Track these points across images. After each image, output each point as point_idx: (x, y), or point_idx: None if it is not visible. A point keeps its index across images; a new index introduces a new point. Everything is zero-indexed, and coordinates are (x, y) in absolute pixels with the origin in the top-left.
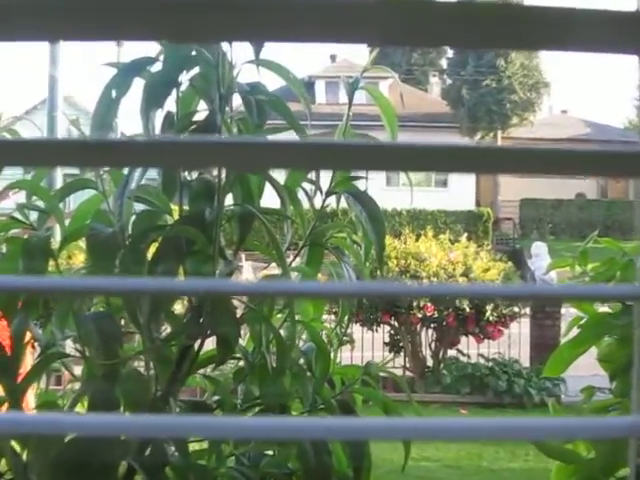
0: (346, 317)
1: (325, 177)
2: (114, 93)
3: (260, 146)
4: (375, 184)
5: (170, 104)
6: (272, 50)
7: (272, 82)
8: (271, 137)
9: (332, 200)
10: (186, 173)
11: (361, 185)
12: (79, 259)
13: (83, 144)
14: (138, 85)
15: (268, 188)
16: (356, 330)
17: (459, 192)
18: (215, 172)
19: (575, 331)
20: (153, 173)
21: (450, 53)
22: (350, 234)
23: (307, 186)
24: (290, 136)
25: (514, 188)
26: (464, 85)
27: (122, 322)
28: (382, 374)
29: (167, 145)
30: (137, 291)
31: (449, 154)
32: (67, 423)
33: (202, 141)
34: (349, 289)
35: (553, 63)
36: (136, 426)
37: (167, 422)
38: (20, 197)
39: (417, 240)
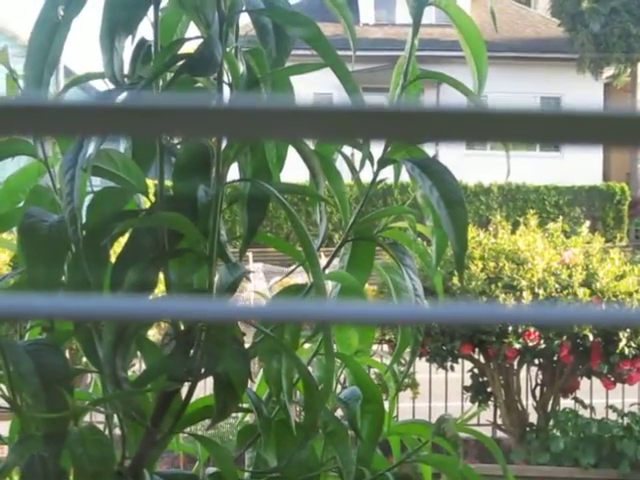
0: (407, 349)
1: None
2: (60, 11)
3: (284, 113)
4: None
5: (145, 29)
6: None
7: None
8: (295, 78)
9: (387, 172)
10: None
11: (430, 149)
12: (3, 260)
13: (5, 108)
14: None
15: (291, 155)
16: (422, 368)
17: (578, 158)
18: None
19: None
20: None
21: None
22: (414, 223)
23: (350, 152)
24: (325, 75)
25: None
26: None
27: (69, 354)
28: (462, 435)
29: (138, 111)
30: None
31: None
32: None
33: (193, 106)
34: (410, 313)
35: None
36: None
37: None
38: None
39: (514, 232)
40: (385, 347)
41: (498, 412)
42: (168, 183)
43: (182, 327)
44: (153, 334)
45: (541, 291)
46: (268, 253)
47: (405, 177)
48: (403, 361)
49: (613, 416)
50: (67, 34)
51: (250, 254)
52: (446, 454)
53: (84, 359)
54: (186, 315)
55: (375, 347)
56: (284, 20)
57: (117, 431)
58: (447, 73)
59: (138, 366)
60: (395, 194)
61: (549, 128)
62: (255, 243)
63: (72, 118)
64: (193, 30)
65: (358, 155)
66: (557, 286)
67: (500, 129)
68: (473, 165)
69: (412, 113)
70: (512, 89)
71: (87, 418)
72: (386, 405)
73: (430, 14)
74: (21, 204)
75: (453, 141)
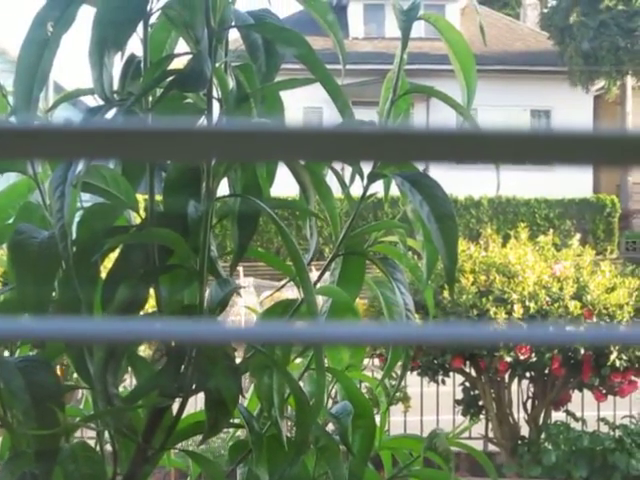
0: (399, 363)
1: None
2: (50, 27)
3: (274, 136)
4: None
5: (135, 44)
6: None
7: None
8: (285, 93)
9: (378, 187)
10: None
11: (420, 164)
12: None
13: None
14: (86, 16)
15: (282, 170)
16: (413, 382)
17: (568, 172)
18: None
19: None
20: None
21: None
22: (404, 238)
23: (340, 166)
24: (315, 89)
25: None
26: (574, 8)
27: (62, 372)
28: (453, 448)
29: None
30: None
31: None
32: None
33: (183, 129)
34: (400, 334)
35: None
36: None
37: None
38: None
39: (504, 245)
40: (376, 361)
41: (490, 425)
42: (158, 198)
43: (173, 343)
44: (144, 349)
45: (532, 304)
46: (259, 268)
47: (395, 191)
48: (395, 375)
49: (605, 429)
50: (56, 50)
51: (241, 268)
52: (438, 469)
53: (75, 375)
54: (177, 338)
55: (366, 361)
56: (274, 36)
57: (108, 447)
58: (437, 86)
59: (129, 381)
60: (386, 208)
61: (539, 149)
62: (246, 258)
63: (59, 141)
64: (183, 46)
65: (348, 170)
66: (548, 299)
67: (490, 150)
68: (463, 178)
69: (401, 135)
70: (502, 102)
71: (78, 434)
72: (378, 419)
73: (419, 28)
74: (11, 221)
75: (442, 162)
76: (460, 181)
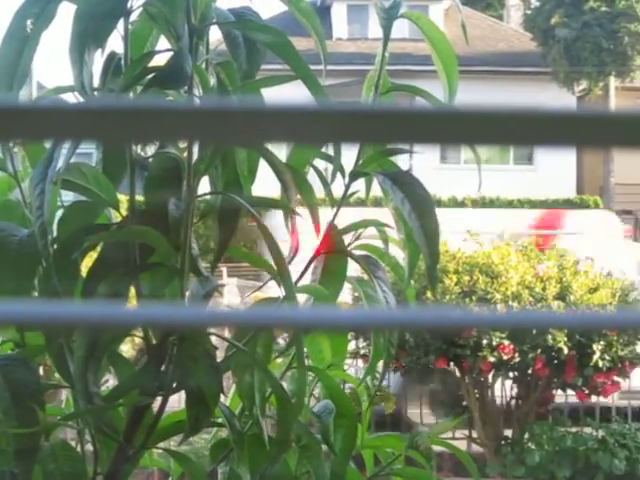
0: (380, 362)
1: (349, 150)
2: (29, 24)
3: (252, 114)
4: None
5: (115, 42)
6: None
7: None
8: (267, 90)
9: (359, 185)
10: (139, 146)
11: (401, 162)
12: None
13: None
14: (66, 12)
15: (263, 168)
16: (397, 382)
17: (551, 172)
18: (183, 144)
19: None
20: (90, 144)
21: None
22: (386, 236)
23: (322, 165)
24: (296, 88)
25: (637, 165)
26: (557, 9)
27: (42, 370)
28: (437, 448)
29: (109, 113)
30: (66, 322)
31: (548, 121)
32: None
33: (163, 106)
34: (383, 319)
35: None
36: None
37: None
38: None
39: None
40: (360, 362)
41: (474, 426)
42: (139, 197)
43: (154, 341)
44: (127, 350)
45: (515, 304)
46: (242, 268)
47: (377, 190)
48: (377, 374)
49: (588, 429)
50: (37, 47)
51: (224, 269)
52: (421, 468)
53: (57, 375)
54: (155, 324)
55: (350, 361)
56: (255, 32)
57: (90, 447)
58: (420, 87)
59: (112, 382)
60: (369, 206)
61: (521, 130)
62: (229, 258)
63: (41, 121)
64: (164, 43)
65: (330, 169)
66: (531, 299)
67: (472, 131)
68: (447, 178)
69: (383, 114)
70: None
71: (62, 435)
72: (360, 419)
73: (403, 28)
74: None
75: (422, 143)
76: (443, 181)
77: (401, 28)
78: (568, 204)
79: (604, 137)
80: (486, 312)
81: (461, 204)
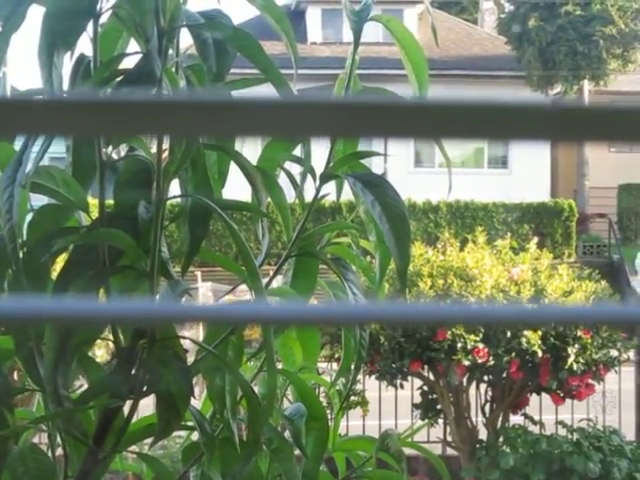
0: (352, 364)
1: (320, 152)
2: None
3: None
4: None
5: (84, 44)
6: None
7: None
8: (236, 93)
9: (330, 188)
10: (109, 148)
11: (376, 166)
12: None
13: None
14: (36, 15)
15: (233, 170)
16: (371, 386)
17: (526, 175)
18: (153, 147)
19: None
20: (59, 148)
21: None
22: (357, 239)
23: (293, 168)
24: (266, 91)
25: (611, 169)
26: (532, 13)
27: (17, 375)
28: (411, 451)
29: (77, 107)
30: (35, 318)
31: (519, 115)
32: None
33: (131, 100)
34: (351, 313)
35: None
36: None
37: None
38: None
39: (462, 249)
40: (334, 365)
41: (448, 429)
42: (109, 200)
43: (124, 344)
44: (102, 355)
45: None
46: (216, 272)
47: (348, 194)
48: (349, 376)
49: (563, 432)
50: (7, 49)
51: (199, 273)
52: (392, 470)
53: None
54: (125, 320)
55: (324, 365)
56: (224, 35)
57: (59, 450)
58: (394, 91)
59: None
60: (344, 211)
61: (495, 123)
62: (204, 263)
63: (17, 115)
64: (134, 46)
65: (299, 169)
66: (506, 303)
67: (442, 124)
68: (421, 182)
69: (358, 106)
70: None
71: (36, 439)
72: (332, 421)
73: (377, 32)
74: None
75: (392, 137)
76: (418, 185)
77: (376, 32)
78: (542, 208)
79: (577, 131)
80: (457, 306)
81: (436, 208)
